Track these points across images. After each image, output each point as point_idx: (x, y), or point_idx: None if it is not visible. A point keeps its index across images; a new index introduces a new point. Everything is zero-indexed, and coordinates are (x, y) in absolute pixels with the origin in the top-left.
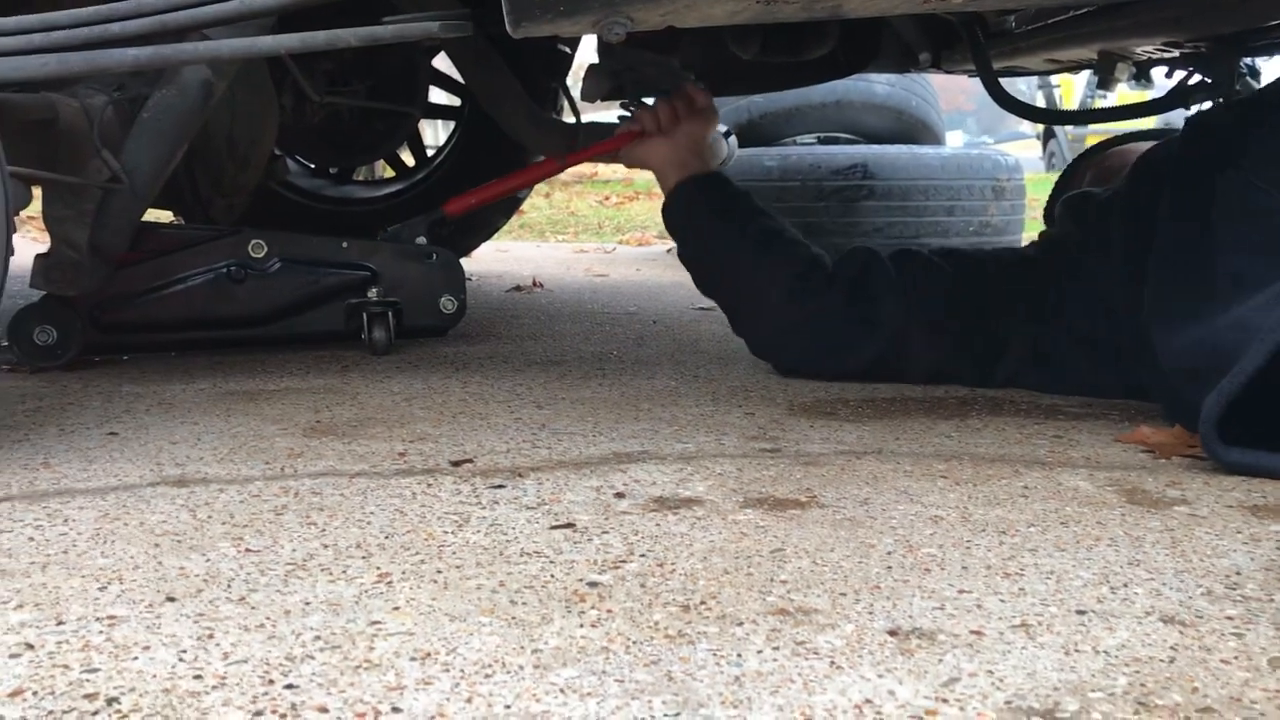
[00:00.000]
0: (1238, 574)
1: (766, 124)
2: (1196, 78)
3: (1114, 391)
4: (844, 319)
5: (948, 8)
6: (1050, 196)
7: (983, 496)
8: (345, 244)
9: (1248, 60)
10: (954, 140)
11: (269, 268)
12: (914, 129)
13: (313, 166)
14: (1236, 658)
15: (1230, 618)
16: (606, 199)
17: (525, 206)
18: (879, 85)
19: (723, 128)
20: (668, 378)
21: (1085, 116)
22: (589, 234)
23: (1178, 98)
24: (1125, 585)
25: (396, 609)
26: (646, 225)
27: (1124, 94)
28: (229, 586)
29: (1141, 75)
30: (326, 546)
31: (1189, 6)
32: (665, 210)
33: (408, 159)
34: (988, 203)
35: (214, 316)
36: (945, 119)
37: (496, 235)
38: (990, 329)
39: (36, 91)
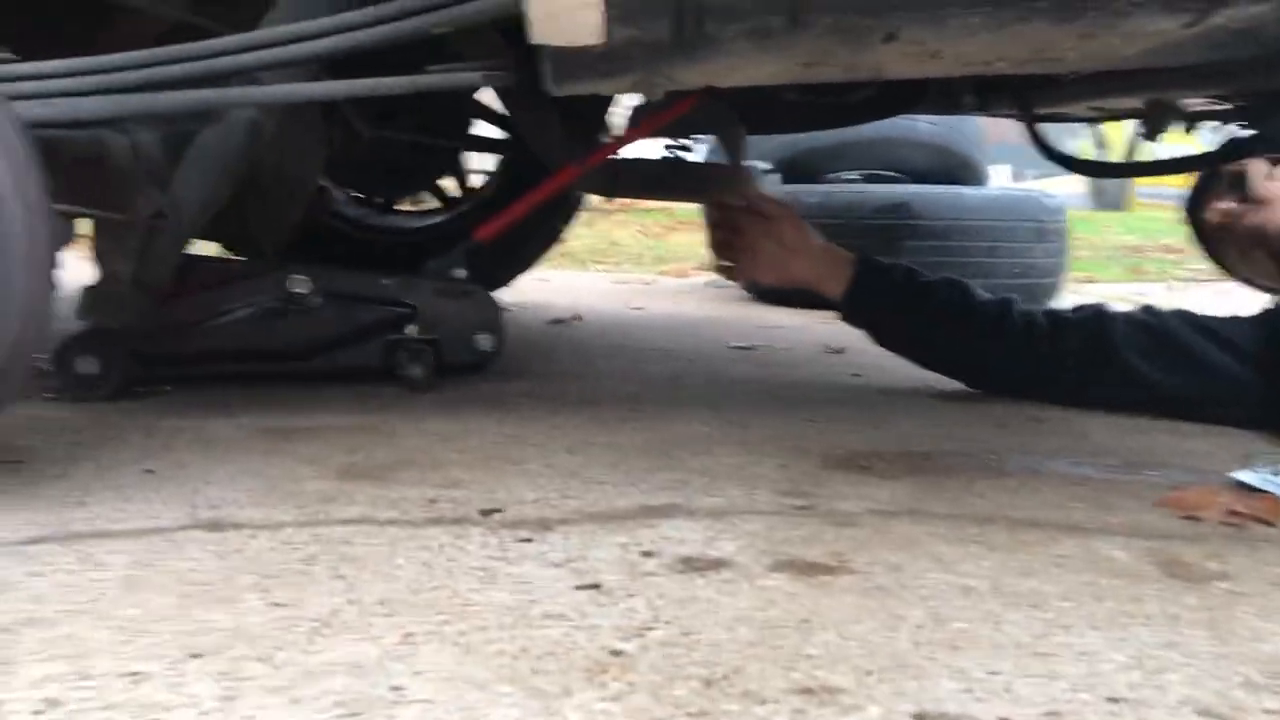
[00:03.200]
0: (1279, 661)
1: (810, 160)
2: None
3: None
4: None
5: (990, 70)
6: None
7: (1016, 565)
8: (385, 280)
9: None
10: (1000, 174)
11: (311, 303)
12: (957, 167)
13: (359, 196)
14: None
15: (1269, 711)
16: (648, 229)
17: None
18: (923, 123)
19: (763, 165)
20: (701, 423)
21: (1126, 170)
22: (630, 264)
23: (1228, 152)
24: (1160, 671)
25: (419, 673)
26: (687, 257)
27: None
28: (254, 644)
29: (1190, 126)
30: (352, 602)
31: (1239, 63)
32: (845, 320)
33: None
34: (1030, 244)
35: (256, 350)
36: (991, 152)
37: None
38: None
39: (87, 129)
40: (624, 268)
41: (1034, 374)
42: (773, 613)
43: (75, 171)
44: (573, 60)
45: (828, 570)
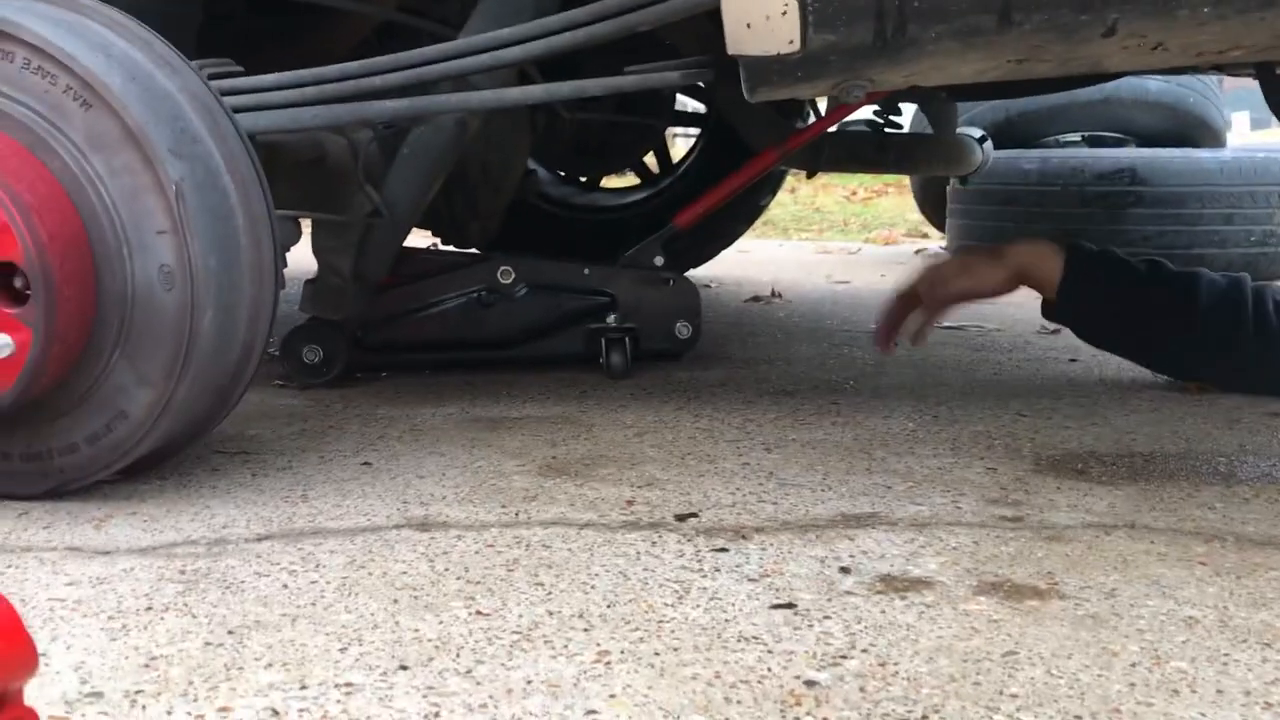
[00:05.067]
0: None
1: (1025, 123)
2: None
3: None
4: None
5: (1224, 60)
6: None
7: (1246, 593)
8: (587, 270)
9: None
10: (1238, 121)
11: (516, 293)
12: (1190, 128)
13: (564, 175)
14: None
15: None
16: (854, 193)
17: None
18: (1152, 81)
19: (977, 132)
20: (905, 417)
21: None
22: (834, 231)
23: None
24: None
25: (613, 696)
26: (894, 222)
27: None
28: (458, 656)
29: None
30: (552, 614)
31: None
32: (1048, 316)
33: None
34: (1272, 210)
35: (464, 338)
36: (1229, 98)
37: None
38: None
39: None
40: (828, 236)
41: (1271, 368)
42: (976, 642)
43: (297, 173)
44: (769, 67)
45: (1036, 594)
